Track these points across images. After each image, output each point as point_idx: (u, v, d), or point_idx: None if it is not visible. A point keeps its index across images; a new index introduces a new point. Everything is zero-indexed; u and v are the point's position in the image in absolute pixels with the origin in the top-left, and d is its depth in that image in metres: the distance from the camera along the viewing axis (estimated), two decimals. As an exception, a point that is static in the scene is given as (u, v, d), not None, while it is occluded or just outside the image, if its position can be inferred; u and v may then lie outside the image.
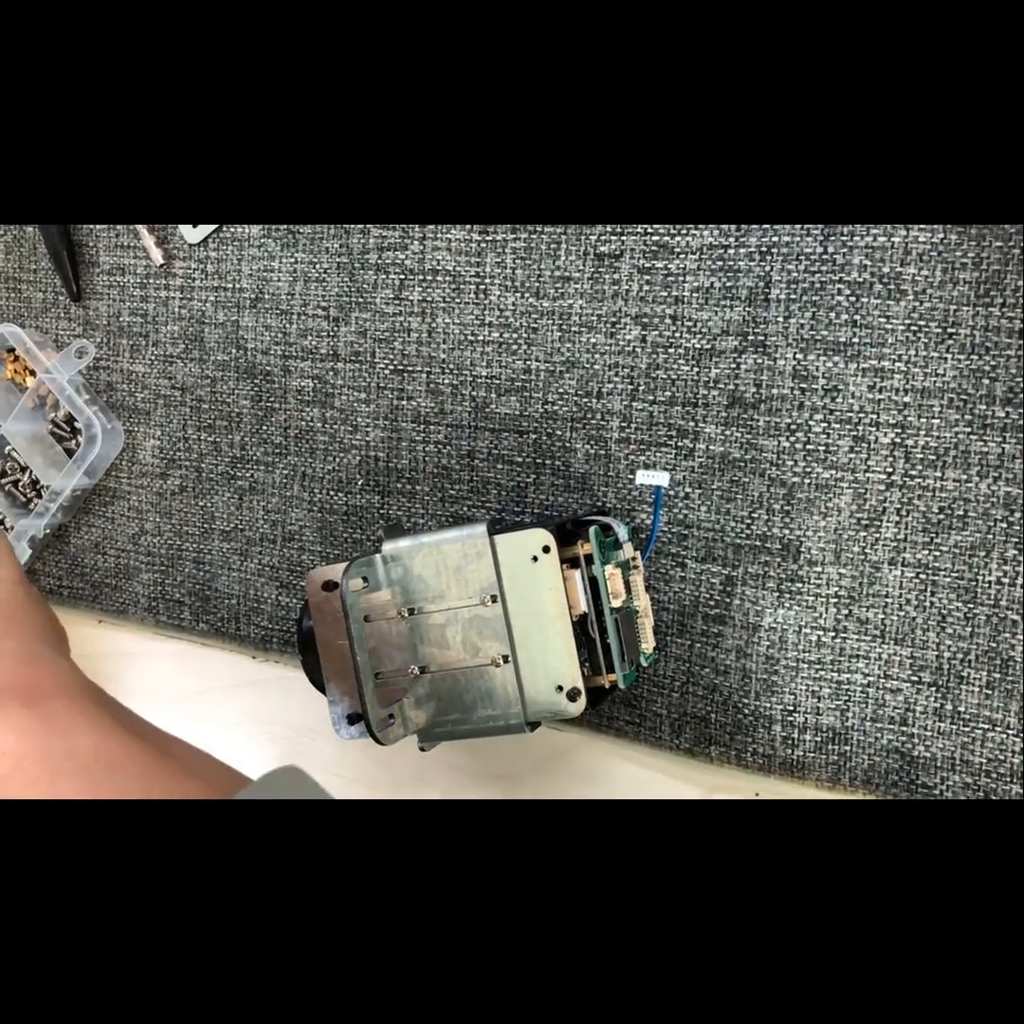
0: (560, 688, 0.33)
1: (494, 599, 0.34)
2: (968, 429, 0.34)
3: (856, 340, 0.35)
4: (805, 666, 0.37)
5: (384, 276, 0.43)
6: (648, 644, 0.36)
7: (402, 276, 0.42)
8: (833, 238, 0.35)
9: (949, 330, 0.34)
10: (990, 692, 0.35)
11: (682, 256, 0.38)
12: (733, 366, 0.37)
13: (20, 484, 0.50)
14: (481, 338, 0.41)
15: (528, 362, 0.40)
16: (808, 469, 0.36)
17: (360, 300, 0.43)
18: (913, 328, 0.35)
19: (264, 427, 0.46)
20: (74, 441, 0.50)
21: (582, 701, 0.33)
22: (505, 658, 0.34)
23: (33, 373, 0.50)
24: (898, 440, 0.35)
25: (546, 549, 0.33)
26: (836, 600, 0.36)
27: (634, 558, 0.36)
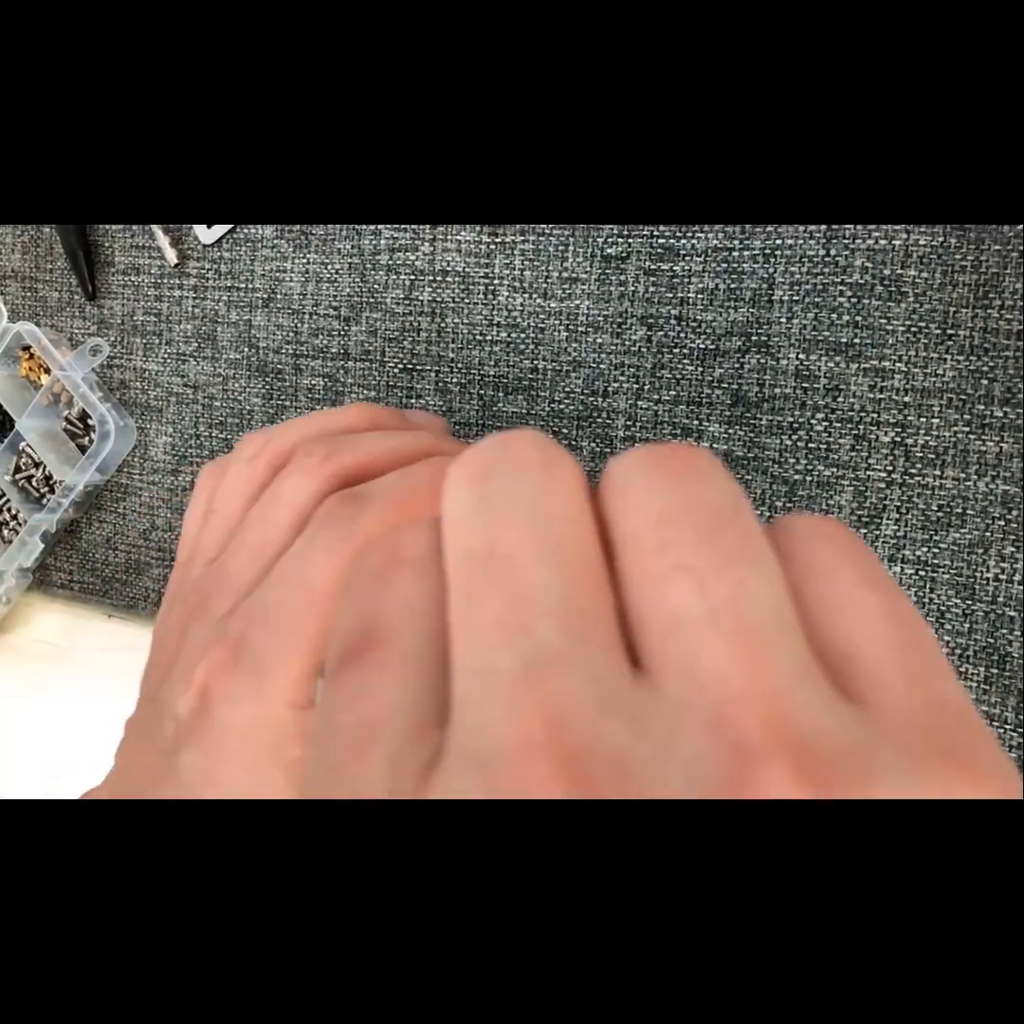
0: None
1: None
2: (967, 429, 0.35)
3: (857, 341, 0.36)
4: (806, 661, 0.37)
5: (395, 277, 0.43)
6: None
7: (412, 277, 0.43)
8: (835, 241, 0.36)
9: (948, 331, 0.35)
10: (987, 688, 0.35)
11: (688, 258, 0.38)
12: (737, 366, 0.38)
13: (34, 480, 0.51)
14: (489, 338, 0.42)
15: (535, 362, 0.41)
16: (810, 467, 0.37)
17: (371, 300, 0.44)
18: (913, 329, 0.35)
19: (275, 425, 0.46)
20: (87, 438, 0.50)
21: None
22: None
23: (48, 370, 0.50)
24: (898, 439, 0.36)
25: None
26: (837, 596, 0.37)
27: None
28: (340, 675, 0.14)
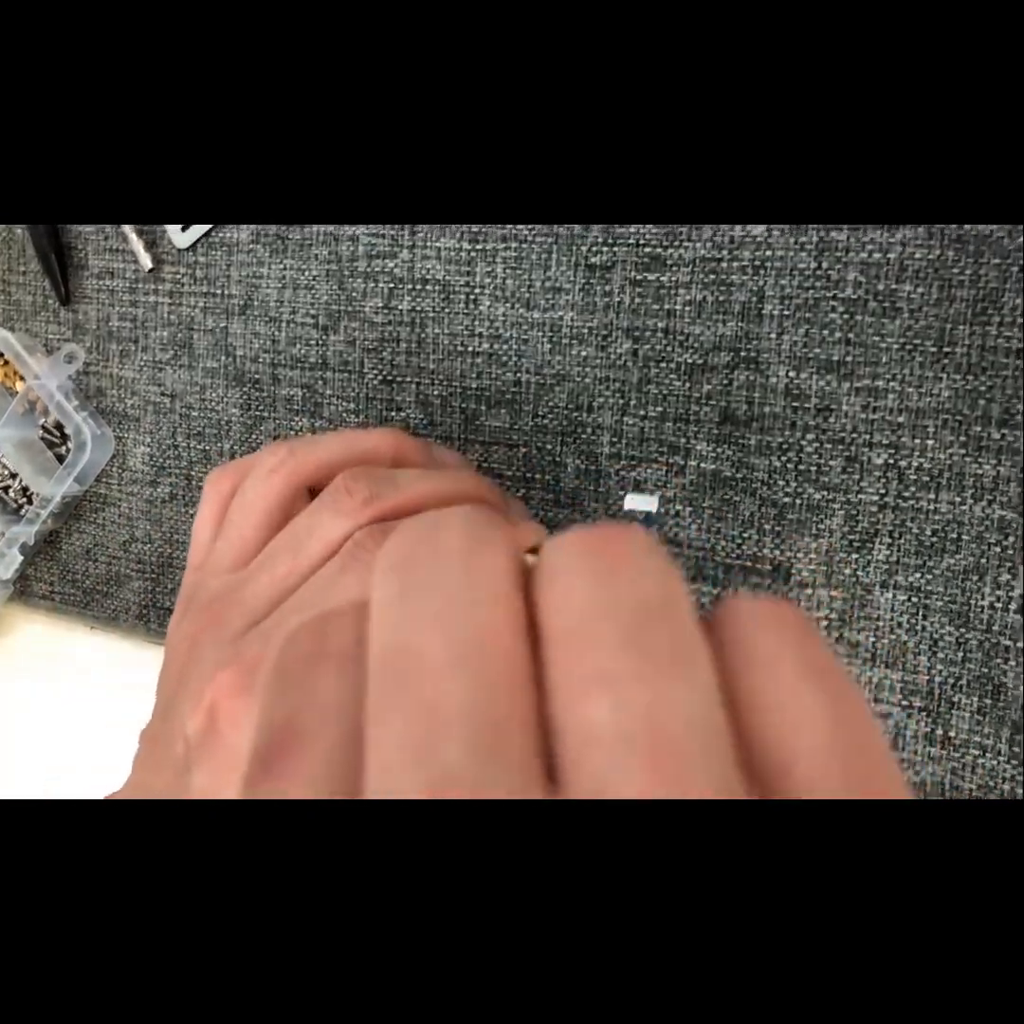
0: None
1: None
2: (963, 451, 0.34)
3: (850, 358, 0.35)
4: (795, 687, 0.36)
5: (373, 284, 0.42)
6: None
7: (391, 284, 0.42)
8: (827, 254, 0.34)
9: (945, 349, 0.33)
10: (981, 718, 0.34)
11: (675, 269, 0.37)
12: (725, 382, 0.36)
13: (10, 490, 0.50)
14: (471, 349, 0.40)
15: (518, 374, 0.40)
16: (800, 489, 0.36)
17: (349, 308, 0.42)
18: (908, 347, 0.34)
19: (253, 435, 0.45)
20: (64, 447, 0.49)
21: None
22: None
23: (23, 378, 0.49)
24: (891, 461, 0.34)
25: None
26: (827, 623, 0.36)
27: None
28: (255, 781, 0.13)
